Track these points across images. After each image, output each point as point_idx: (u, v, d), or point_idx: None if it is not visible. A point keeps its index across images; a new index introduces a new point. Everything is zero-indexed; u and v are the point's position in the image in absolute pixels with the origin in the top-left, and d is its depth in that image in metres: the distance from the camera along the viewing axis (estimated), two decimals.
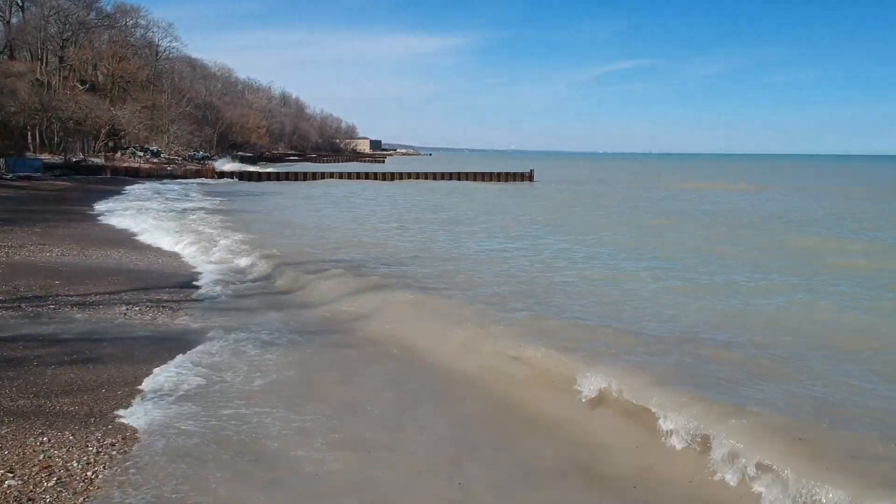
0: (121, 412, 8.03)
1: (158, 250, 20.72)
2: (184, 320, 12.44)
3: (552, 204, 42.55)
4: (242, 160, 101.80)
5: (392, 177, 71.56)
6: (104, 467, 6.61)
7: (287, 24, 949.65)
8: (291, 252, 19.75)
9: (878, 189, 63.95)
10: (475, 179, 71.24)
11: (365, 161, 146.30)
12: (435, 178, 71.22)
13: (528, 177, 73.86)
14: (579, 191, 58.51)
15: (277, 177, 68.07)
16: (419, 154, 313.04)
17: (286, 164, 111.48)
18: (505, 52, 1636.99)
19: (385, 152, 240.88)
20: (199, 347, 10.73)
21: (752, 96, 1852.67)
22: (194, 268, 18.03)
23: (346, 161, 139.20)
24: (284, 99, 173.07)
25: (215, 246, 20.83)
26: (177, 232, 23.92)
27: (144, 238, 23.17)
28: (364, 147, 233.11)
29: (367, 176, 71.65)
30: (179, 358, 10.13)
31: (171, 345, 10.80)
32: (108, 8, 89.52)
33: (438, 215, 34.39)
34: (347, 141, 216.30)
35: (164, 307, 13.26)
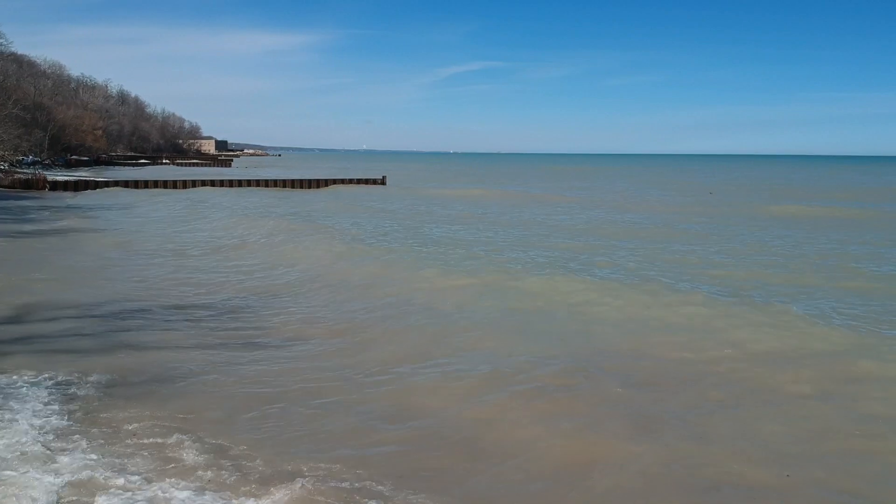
0: None
1: None
2: None
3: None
4: (77, 164, 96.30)
5: (239, 183, 69.42)
6: None
7: (126, 18, 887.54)
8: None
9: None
10: (329, 186, 70.33)
11: (208, 164, 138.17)
12: (285, 186, 69.48)
13: (381, 181, 74.65)
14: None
15: (117, 184, 64.18)
16: (267, 154, 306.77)
17: (116, 168, 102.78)
18: (357, 52, 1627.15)
19: (232, 153, 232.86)
20: None
21: (594, 98, 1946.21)
22: None
23: (192, 164, 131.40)
24: (123, 98, 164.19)
25: None
26: None
27: None
28: (209, 148, 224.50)
29: (220, 183, 68.95)
30: None
31: None
32: None
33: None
34: (191, 141, 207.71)
35: None
